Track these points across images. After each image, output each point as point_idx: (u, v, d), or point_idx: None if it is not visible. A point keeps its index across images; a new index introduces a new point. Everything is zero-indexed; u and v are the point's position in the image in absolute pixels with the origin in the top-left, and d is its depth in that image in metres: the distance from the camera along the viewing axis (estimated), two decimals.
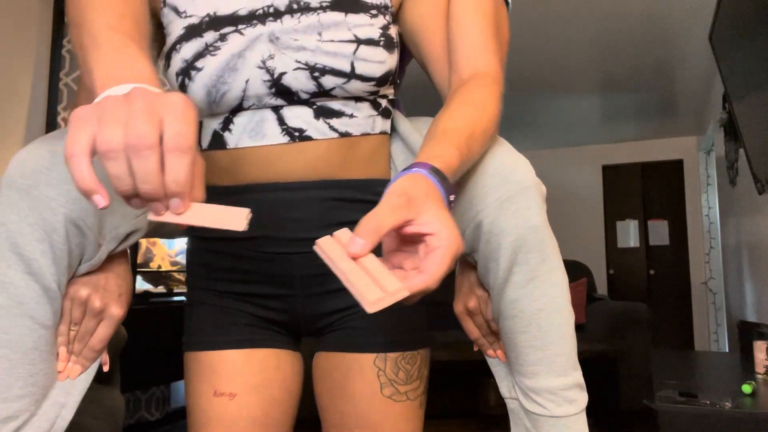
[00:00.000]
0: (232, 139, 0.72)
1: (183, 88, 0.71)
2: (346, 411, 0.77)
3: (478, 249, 0.67)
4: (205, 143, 0.75)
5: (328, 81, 0.70)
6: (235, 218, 0.49)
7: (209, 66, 0.69)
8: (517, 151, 0.70)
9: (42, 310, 0.59)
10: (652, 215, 6.20)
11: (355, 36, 0.70)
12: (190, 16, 0.72)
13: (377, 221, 0.50)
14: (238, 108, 0.71)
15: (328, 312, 0.79)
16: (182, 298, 2.68)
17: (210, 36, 0.70)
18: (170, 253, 2.93)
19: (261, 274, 0.76)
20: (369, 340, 0.77)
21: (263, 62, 0.69)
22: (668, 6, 3.09)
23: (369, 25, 0.71)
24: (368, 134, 0.75)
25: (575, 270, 4.02)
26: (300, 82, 0.69)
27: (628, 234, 6.23)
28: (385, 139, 0.79)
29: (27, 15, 2.55)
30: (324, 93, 0.71)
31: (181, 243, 3.27)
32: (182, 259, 2.96)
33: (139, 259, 2.67)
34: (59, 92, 2.64)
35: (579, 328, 3.61)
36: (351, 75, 0.70)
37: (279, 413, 0.79)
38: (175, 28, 0.73)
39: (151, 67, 0.53)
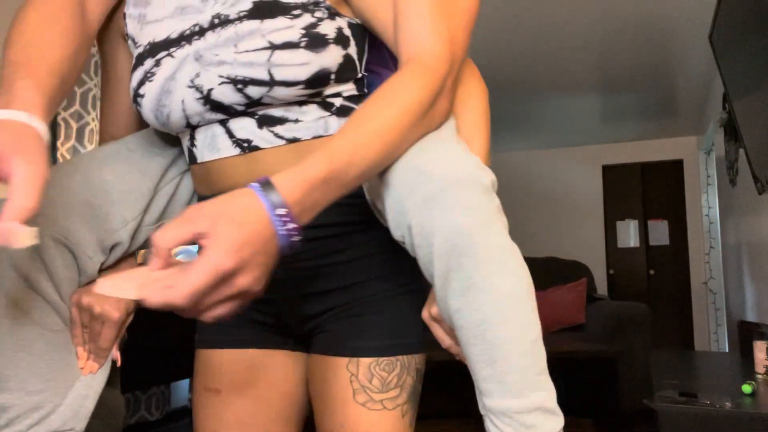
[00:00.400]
0: (198, 153, 0.76)
1: (139, 113, 0.76)
2: (327, 415, 0.77)
3: (417, 255, 0.62)
4: (186, 159, 0.80)
5: (253, 91, 0.68)
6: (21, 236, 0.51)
7: (149, 92, 0.72)
8: (455, 143, 0.64)
9: (47, 318, 0.69)
10: (652, 215, 6.20)
11: (270, 42, 0.67)
12: (139, 46, 0.76)
13: (159, 241, 0.51)
14: (189, 126, 0.74)
15: (309, 315, 0.78)
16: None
17: (149, 63, 0.74)
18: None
19: None
20: (344, 344, 0.75)
21: (192, 81, 0.70)
22: (668, 6, 3.09)
23: (287, 28, 0.68)
24: (321, 136, 0.72)
25: (575, 270, 4.03)
26: (228, 96, 0.69)
27: (628, 234, 6.23)
28: None
29: None
30: (257, 103, 0.69)
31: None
32: (182, 259, 2.96)
33: (139, 260, 2.67)
34: None
35: (579, 328, 3.61)
36: (272, 83, 0.67)
37: (268, 414, 0.80)
38: (132, 58, 0.77)
39: (13, 95, 0.57)
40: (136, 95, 0.74)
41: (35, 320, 0.68)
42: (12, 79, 0.59)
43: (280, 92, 0.68)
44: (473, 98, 0.75)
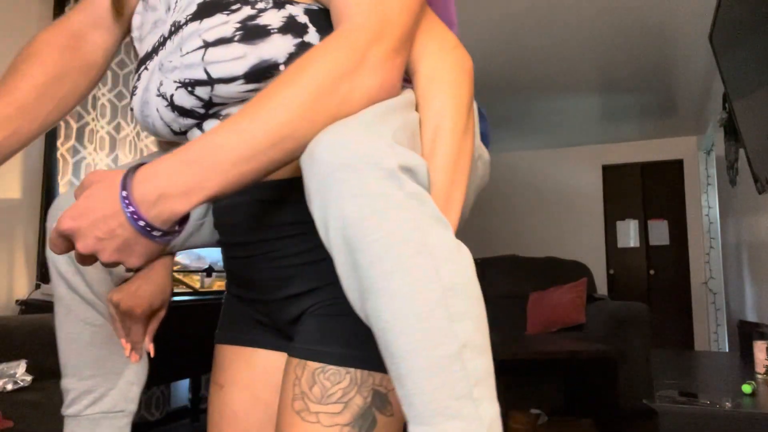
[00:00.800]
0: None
1: None
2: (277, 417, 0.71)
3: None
4: None
5: (201, 92, 0.67)
6: None
7: (135, 105, 0.75)
8: (372, 123, 0.54)
9: (88, 313, 0.82)
10: (652, 215, 6.20)
11: (204, 41, 0.66)
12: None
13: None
14: (176, 133, 0.75)
15: (294, 317, 0.73)
16: (182, 298, 2.68)
17: (135, 77, 0.77)
18: None
19: (241, 278, 0.79)
20: (301, 345, 0.68)
21: (158, 90, 0.71)
22: (668, 6, 3.09)
23: (222, 24, 0.65)
24: None
25: (575, 270, 4.02)
26: (185, 99, 0.68)
27: (628, 234, 6.24)
28: None
29: (27, 15, 2.55)
30: (211, 104, 0.69)
31: None
32: (182, 260, 2.96)
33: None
34: None
35: (579, 328, 3.61)
36: (210, 81, 0.65)
37: (264, 413, 0.79)
38: None
39: None
40: (131, 109, 0.78)
41: (79, 316, 0.82)
42: None
43: (222, 90, 0.66)
44: (439, 83, 0.64)
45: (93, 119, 2.71)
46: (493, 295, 4.01)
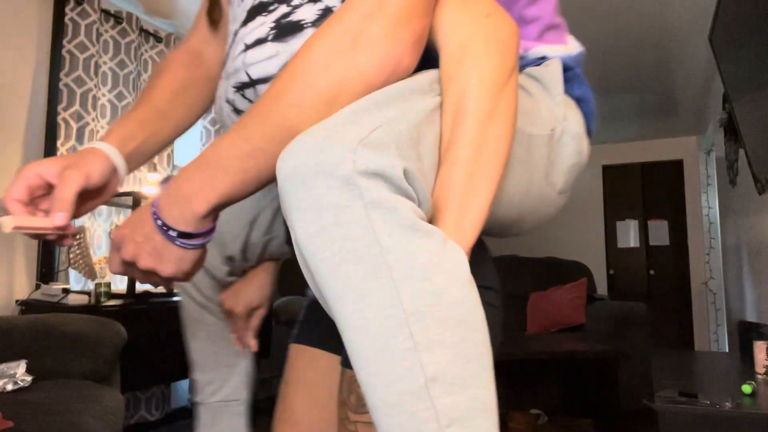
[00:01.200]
0: None
1: None
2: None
3: None
4: None
5: (249, 94, 0.68)
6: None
7: (215, 113, 0.79)
8: (339, 120, 0.48)
9: (200, 315, 0.94)
10: (652, 215, 6.20)
11: (245, 44, 0.67)
12: None
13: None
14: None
15: None
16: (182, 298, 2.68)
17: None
18: None
19: None
20: (344, 352, 0.65)
21: (225, 96, 0.73)
22: (668, 6, 3.09)
23: (260, 26, 0.66)
24: None
25: (575, 270, 4.02)
26: (241, 103, 0.70)
27: (628, 234, 6.24)
28: None
29: (27, 15, 2.55)
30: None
31: None
32: None
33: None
34: (59, 92, 2.64)
35: (579, 328, 3.61)
36: (252, 82, 0.66)
37: (320, 414, 0.81)
38: None
39: (113, 135, 0.74)
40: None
41: (195, 317, 0.93)
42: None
43: (264, 90, 0.63)
44: (466, 59, 0.55)
45: (93, 119, 2.71)
46: None
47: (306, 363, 0.84)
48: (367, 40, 0.51)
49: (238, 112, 0.72)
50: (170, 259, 0.57)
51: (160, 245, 0.56)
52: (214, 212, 0.55)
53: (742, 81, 2.43)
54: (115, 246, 0.60)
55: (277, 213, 0.89)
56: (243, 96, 0.69)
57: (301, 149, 0.45)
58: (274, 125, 0.51)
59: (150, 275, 0.59)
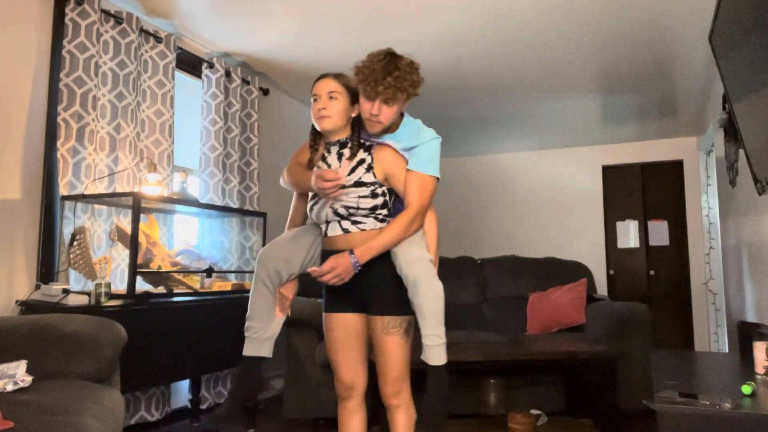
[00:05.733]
0: (328, 232, 1.79)
1: (307, 215, 1.93)
2: (373, 340, 1.78)
3: (405, 278, 1.71)
4: (322, 234, 1.83)
5: (351, 211, 1.75)
6: None
7: (315, 210, 1.82)
8: (420, 239, 1.82)
9: (264, 292, 1.79)
10: (652, 215, 6.20)
11: (359, 196, 1.74)
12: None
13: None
14: (325, 221, 1.80)
15: (368, 297, 1.78)
16: (182, 298, 2.68)
17: (313, 200, 1.84)
18: (170, 253, 2.93)
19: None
20: (378, 310, 1.76)
21: (331, 207, 1.76)
22: (668, 6, 3.09)
23: (365, 190, 1.74)
24: (373, 229, 1.75)
25: (575, 270, 4.02)
26: (342, 211, 1.75)
27: (628, 234, 6.24)
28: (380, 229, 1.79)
29: (27, 15, 2.55)
30: (351, 215, 1.75)
31: (180, 244, 3.27)
32: (182, 260, 2.96)
33: (140, 260, 2.67)
34: (59, 92, 2.64)
35: (579, 328, 3.61)
36: (358, 208, 1.74)
37: (354, 337, 1.83)
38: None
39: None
40: (311, 209, 1.82)
41: (262, 294, 1.77)
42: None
43: (360, 213, 1.74)
44: (431, 222, 1.81)
45: (93, 120, 2.71)
46: (493, 296, 4.00)
47: (337, 321, 1.83)
48: (416, 226, 1.77)
49: (337, 215, 1.76)
50: (348, 275, 1.71)
51: (348, 273, 1.69)
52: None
53: (742, 81, 2.43)
54: (324, 272, 1.68)
55: (316, 252, 1.83)
56: (346, 209, 1.74)
57: (417, 250, 1.74)
58: (392, 241, 1.73)
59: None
